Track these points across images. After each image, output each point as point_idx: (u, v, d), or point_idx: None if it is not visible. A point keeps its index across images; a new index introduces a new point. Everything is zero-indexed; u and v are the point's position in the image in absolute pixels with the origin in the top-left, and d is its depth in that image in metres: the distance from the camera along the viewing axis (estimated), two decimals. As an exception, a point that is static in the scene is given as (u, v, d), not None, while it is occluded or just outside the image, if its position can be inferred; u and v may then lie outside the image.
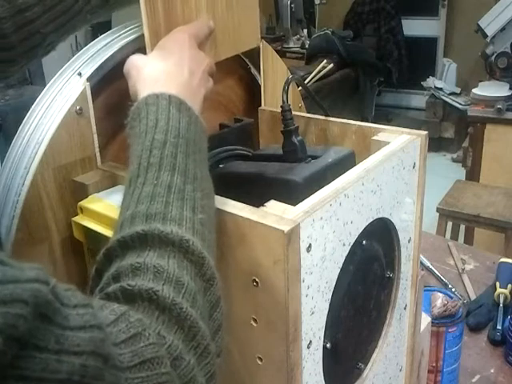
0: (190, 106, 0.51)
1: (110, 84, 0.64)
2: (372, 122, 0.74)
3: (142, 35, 0.60)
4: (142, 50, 0.60)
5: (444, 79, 4.34)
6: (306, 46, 4.29)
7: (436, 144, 4.19)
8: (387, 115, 4.85)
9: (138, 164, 0.46)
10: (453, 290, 1.19)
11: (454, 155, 4.20)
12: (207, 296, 0.42)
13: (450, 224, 2.31)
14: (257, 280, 0.49)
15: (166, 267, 0.40)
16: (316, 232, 0.49)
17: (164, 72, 0.53)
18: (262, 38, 0.79)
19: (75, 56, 0.63)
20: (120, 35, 0.65)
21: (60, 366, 0.29)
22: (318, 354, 0.54)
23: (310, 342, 0.52)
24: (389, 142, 0.64)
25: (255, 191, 0.59)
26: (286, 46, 4.55)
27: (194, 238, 0.42)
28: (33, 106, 0.60)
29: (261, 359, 0.52)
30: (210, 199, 0.48)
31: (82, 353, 0.30)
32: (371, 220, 0.58)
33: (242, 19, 0.72)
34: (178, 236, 0.41)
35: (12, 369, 0.27)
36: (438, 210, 2.24)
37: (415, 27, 4.83)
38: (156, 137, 0.47)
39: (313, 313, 0.51)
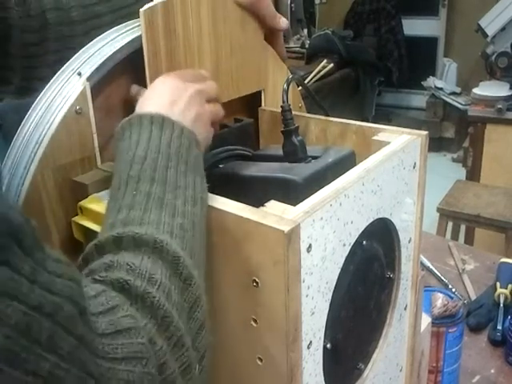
0: (175, 120, 0.52)
1: (110, 84, 0.64)
2: (372, 122, 0.74)
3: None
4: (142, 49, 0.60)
5: (444, 79, 4.34)
6: (306, 46, 4.29)
7: (436, 144, 4.19)
8: (387, 115, 4.85)
9: (119, 178, 0.48)
10: (453, 290, 1.19)
11: (455, 155, 4.20)
12: (184, 296, 0.42)
13: (450, 224, 2.31)
14: (257, 280, 0.49)
15: (139, 265, 0.40)
16: (316, 232, 0.49)
17: (147, 105, 0.55)
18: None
19: (75, 55, 0.62)
20: (120, 34, 0.64)
21: (32, 293, 0.28)
22: (318, 355, 0.53)
23: (310, 342, 0.51)
24: (389, 142, 0.64)
25: (255, 191, 0.59)
26: (286, 45, 4.54)
27: (170, 240, 0.43)
28: (32, 106, 0.60)
29: (261, 359, 0.52)
30: (195, 206, 0.48)
31: (57, 293, 0.30)
32: (371, 220, 0.58)
33: (246, 64, 0.75)
34: (153, 237, 0.42)
35: None
36: (438, 210, 2.24)
37: (415, 27, 4.83)
38: (137, 153, 0.49)
39: (313, 313, 0.51)
